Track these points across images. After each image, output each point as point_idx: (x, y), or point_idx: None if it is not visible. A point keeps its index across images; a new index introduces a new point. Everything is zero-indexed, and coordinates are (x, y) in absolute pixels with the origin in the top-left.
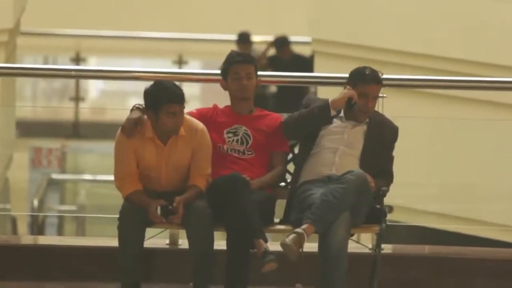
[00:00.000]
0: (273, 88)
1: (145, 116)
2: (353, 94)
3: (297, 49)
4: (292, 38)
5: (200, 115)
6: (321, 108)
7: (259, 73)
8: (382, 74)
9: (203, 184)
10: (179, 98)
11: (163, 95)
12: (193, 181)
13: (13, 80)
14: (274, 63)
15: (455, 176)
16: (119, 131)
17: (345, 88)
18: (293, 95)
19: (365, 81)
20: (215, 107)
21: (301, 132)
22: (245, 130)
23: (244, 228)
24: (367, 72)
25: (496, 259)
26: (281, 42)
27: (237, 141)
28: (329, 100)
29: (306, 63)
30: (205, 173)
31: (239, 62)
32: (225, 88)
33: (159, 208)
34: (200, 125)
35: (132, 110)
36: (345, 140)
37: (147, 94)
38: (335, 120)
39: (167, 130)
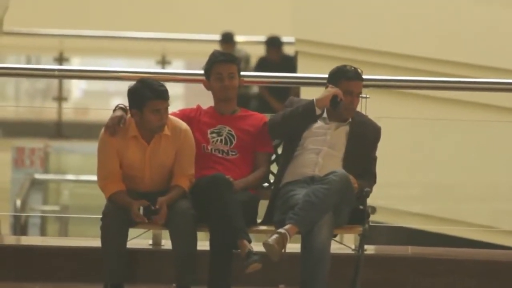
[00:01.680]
0: (255, 89)
1: (128, 116)
2: (338, 92)
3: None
4: None
5: (183, 115)
6: (306, 106)
7: (242, 73)
8: (362, 72)
9: (186, 185)
10: (163, 94)
11: (147, 92)
12: (177, 181)
13: None
14: (263, 65)
15: (438, 176)
16: (102, 130)
17: (326, 88)
18: (276, 95)
19: (348, 78)
20: (198, 107)
21: (287, 131)
22: (229, 130)
23: (228, 229)
24: (349, 69)
25: (479, 260)
26: (271, 43)
27: (221, 141)
28: (314, 99)
29: (293, 64)
30: (188, 173)
31: (222, 61)
32: (208, 88)
33: (141, 208)
34: (184, 125)
35: (115, 110)
36: (328, 142)
37: (131, 92)
38: (318, 121)
39: (152, 128)
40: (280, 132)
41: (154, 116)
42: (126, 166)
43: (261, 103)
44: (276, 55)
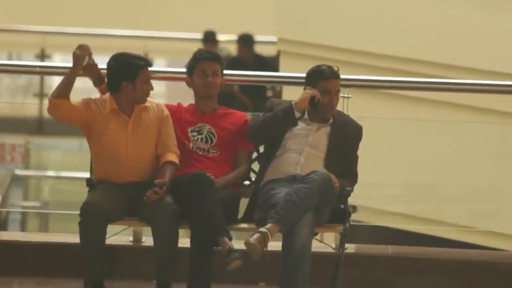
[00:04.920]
0: (235, 88)
1: (102, 96)
2: (316, 93)
3: (263, 48)
4: (258, 38)
5: None
6: (285, 110)
7: (224, 71)
8: (338, 69)
9: (176, 159)
10: (150, 61)
11: (139, 61)
12: (167, 158)
13: None
14: (234, 65)
15: (419, 177)
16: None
17: (304, 90)
18: (256, 95)
19: (324, 78)
20: (179, 105)
21: (267, 136)
22: (209, 128)
23: (209, 226)
24: (324, 69)
25: (457, 259)
26: (243, 41)
27: (201, 139)
28: (293, 102)
29: (268, 64)
30: (174, 149)
31: (206, 59)
32: (189, 85)
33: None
34: (157, 101)
35: None
36: (309, 142)
37: (123, 64)
38: (299, 122)
39: (143, 96)
40: (261, 137)
41: (147, 85)
42: (107, 143)
43: (241, 102)
44: (248, 54)
